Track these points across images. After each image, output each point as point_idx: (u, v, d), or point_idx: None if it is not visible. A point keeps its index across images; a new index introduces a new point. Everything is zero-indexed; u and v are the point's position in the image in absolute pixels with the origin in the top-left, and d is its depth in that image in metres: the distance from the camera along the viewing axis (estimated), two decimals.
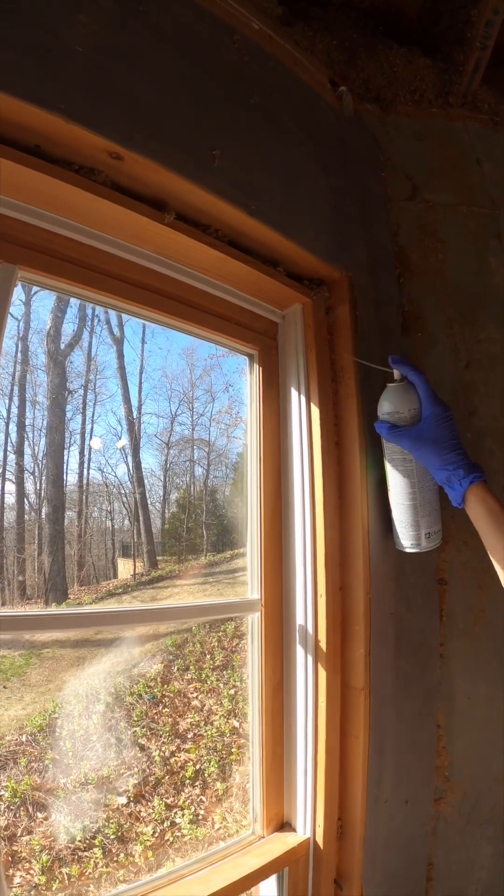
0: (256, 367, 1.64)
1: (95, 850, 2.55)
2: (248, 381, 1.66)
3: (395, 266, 1.72)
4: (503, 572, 1.20)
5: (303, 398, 1.57)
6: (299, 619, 1.54)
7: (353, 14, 1.96)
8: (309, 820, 1.48)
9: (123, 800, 2.82)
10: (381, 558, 1.51)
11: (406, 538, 1.41)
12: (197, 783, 3.04)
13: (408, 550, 1.43)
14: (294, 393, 1.60)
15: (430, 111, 1.95)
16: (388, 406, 1.37)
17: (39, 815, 2.67)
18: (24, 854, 2.50)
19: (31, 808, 2.68)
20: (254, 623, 1.56)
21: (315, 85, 1.68)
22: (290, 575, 1.58)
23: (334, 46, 1.86)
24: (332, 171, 1.62)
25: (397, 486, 1.40)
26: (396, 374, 1.38)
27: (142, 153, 1.15)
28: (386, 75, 1.93)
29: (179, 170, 1.21)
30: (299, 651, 1.53)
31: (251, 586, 1.59)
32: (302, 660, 1.52)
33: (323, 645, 1.47)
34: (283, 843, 1.47)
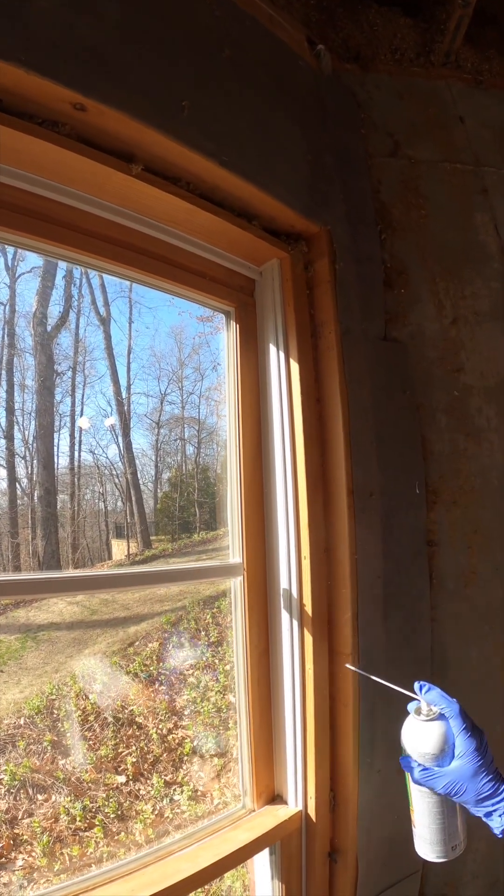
0: (233, 324, 1.56)
1: (96, 829, 2.50)
2: (224, 338, 1.59)
3: (377, 222, 1.65)
4: None
5: (282, 355, 1.50)
6: (283, 583, 1.47)
7: None
8: (300, 792, 1.43)
9: (122, 778, 2.78)
10: (368, 519, 1.44)
11: (434, 853, 1.22)
12: (195, 759, 3.00)
13: (434, 861, 1.24)
14: (273, 350, 1.53)
15: (411, 70, 1.89)
16: (417, 745, 1.17)
17: (39, 797, 2.63)
18: (25, 836, 2.46)
19: (31, 791, 2.64)
20: (236, 588, 1.50)
21: (292, 43, 1.61)
22: (273, 537, 1.52)
23: (312, 6, 1.80)
24: (309, 128, 1.55)
25: (424, 815, 1.22)
26: (424, 704, 1.18)
27: (106, 103, 1.09)
28: (365, 34, 1.86)
29: (147, 120, 1.15)
30: (284, 616, 1.47)
31: (232, 550, 1.52)
32: (287, 625, 1.46)
33: (308, 609, 1.41)
34: (275, 816, 1.42)
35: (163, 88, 1.21)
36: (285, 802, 1.47)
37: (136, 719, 3.18)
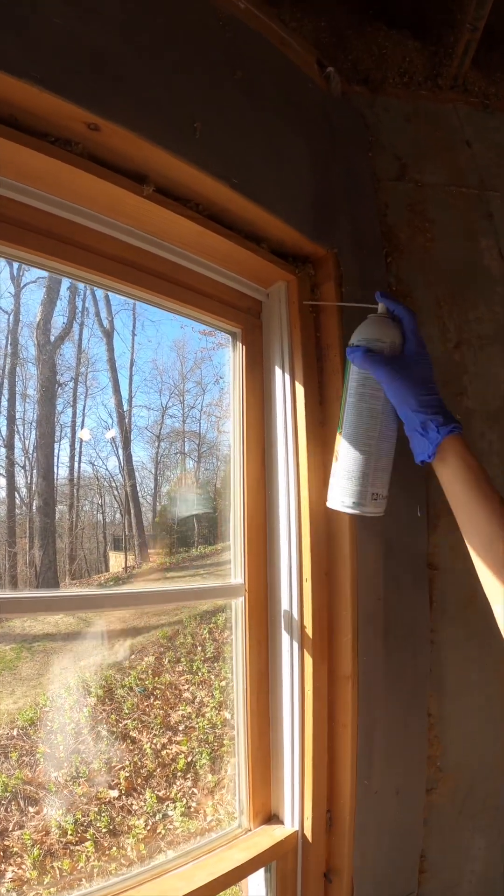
0: (240, 345, 1.58)
1: (87, 843, 2.49)
2: (230, 359, 1.60)
3: (383, 245, 1.66)
4: (481, 547, 1.00)
5: (287, 377, 1.51)
6: (284, 605, 1.48)
7: None
8: (297, 812, 1.44)
9: (115, 793, 2.77)
10: (369, 542, 1.46)
11: (350, 493, 1.17)
12: (189, 775, 2.99)
13: (345, 510, 1.19)
14: (278, 372, 1.55)
15: (419, 93, 1.91)
16: (366, 332, 1.18)
17: (31, 809, 2.62)
18: (15, 849, 2.45)
19: (22, 803, 2.63)
20: (237, 609, 1.51)
21: (302, 65, 1.63)
22: (275, 559, 1.53)
23: (322, 27, 1.81)
24: (318, 150, 1.57)
25: (355, 428, 1.17)
26: (381, 307, 1.20)
27: (120, 124, 1.09)
28: (375, 57, 1.88)
29: (159, 141, 1.16)
30: (285, 637, 1.48)
31: (234, 571, 1.54)
32: (287, 646, 1.47)
33: (309, 631, 1.42)
34: (271, 836, 1.42)
35: (176, 109, 1.22)
36: (281, 822, 1.48)
37: (130, 733, 3.17)
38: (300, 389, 1.48)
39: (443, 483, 1.07)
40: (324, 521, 1.47)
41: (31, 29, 0.99)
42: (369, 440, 1.16)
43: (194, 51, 1.31)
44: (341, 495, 1.18)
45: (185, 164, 1.21)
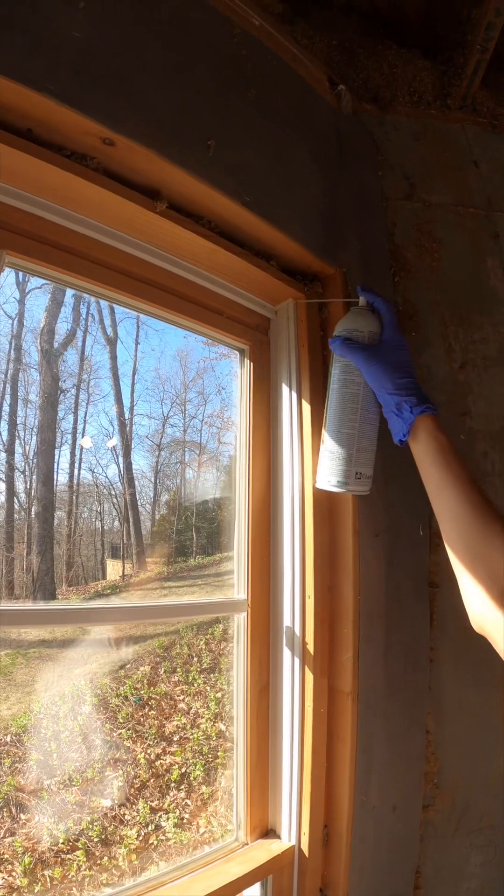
0: (248, 361, 1.59)
1: (79, 852, 2.48)
2: (238, 375, 1.61)
3: (391, 264, 1.68)
4: (449, 520, 1.02)
5: (294, 395, 1.53)
6: (286, 621, 1.49)
7: (353, 15, 1.93)
8: (294, 827, 1.44)
9: (108, 802, 2.77)
10: (372, 559, 1.47)
11: (335, 473, 1.26)
12: (182, 786, 2.98)
13: (331, 489, 1.27)
14: (285, 389, 1.56)
15: (428, 112, 1.92)
16: (346, 324, 1.28)
17: (23, 816, 2.61)
18: (6, 855, 2.44)
19: (14, 810, 2.62)
20: (240, 624, 1.52)
21: (314, 82, 1.64)
22: (278, 575, 1.54)
23: (334, 46, 1.83)
24: (328, 168, 1.58)
25: (338, 411, 1.27)
26: (361, 300, 1.31)
27: (135, 139, 1.10)
28: (385, 76, 1.90)
29: (173, 158, 1.17)
30: (286, 653, 1.48)
31: (237, 586, 1.54)
32: (289, 662, 1.48)
33: (310, 647, 1.42)
34: (268, 850, 1.42)
35: (190, 126, 1.24)
36: (278, 837, 1.48)
37: (125, 743, 3.17)
38: (307, 408, 1.49)
39: (417, 461, 1.12)
40: (327, 538, 1.48)
41: (50, 42, 1.00)
42: (352, 423, 1.25)
43: (209, 68, 1.32)
44: (327, 475, 1.28)
45: (199, 181, 1.22)
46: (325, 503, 1.48)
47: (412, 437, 1.12)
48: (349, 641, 1.42)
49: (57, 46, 1.01)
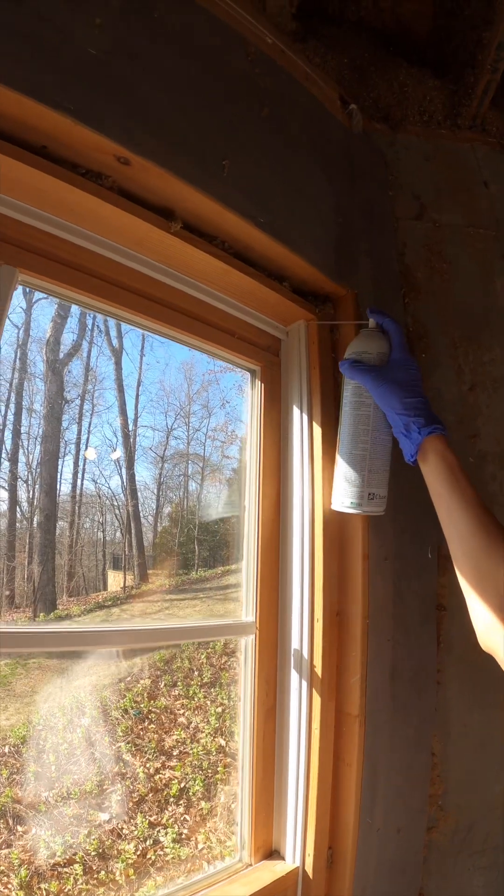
0: (258, 383, 1.58)
1: (76, 866, 2.46)
2: (249, 397, 1.60)
3: (402, 285, 1.66)
4: (457, 539, 1.03)
5: (305, 417, 1.51)
6: (294, 644, 1.47)
7: (364, 34, 1.93)
8: (298, 848, 1.41)
9: (106, 816, 2.74)
10: (380, 583, 1.45)
11: (348, 494, 1.27)
12: (181, 801, 2.95)
13: (345, 510, 1.28)
14: (296, 411, 1.54)
15: (438, 132, 1.91)
16: (356, 346, 1.28)
17: (19, 828, 2.59)
18: (2, 867, 2.42)
19: (11, 821, 2.59)
20: (248, 646, 1.50)
21: (326, 101, 1.63)
22: (287, 598, 1.52)
23: (346, 64, 1.82)
24: (340, 188, 1.57)
25: (349, 434, 1.28)
26: (371, 322, 1.31)
27: (151, 159, 1.10)
28: (396, 95, 1.89)
29: (189, 178, 1.16)
30: (293, 676, 1.46)
31: (246, 609, 1.52)
32: (296, 685, 1.46)
33: (318, 671, 1.41)
34: (272, 871, 1.40)
35: (206, 145, 1.23)
36: (283, 858, 1.45)
37: (124, 756, 3.14)
38: (318, 430, 1.47)
39: (426, 481, 1.13)
40: (336, 562, 1.46)
41: (66, 59, 1.00)
42: (364, 444, 1.25)
43: (224, 87, 1.32)
44: (341, 496, 1.28)
45: (213, 201, 1.21)
46: (335, 527, 1.47)
47: (421, 457, 1.12)
48: (357, 665, 1.40)
49: (73, 64, 1.01)
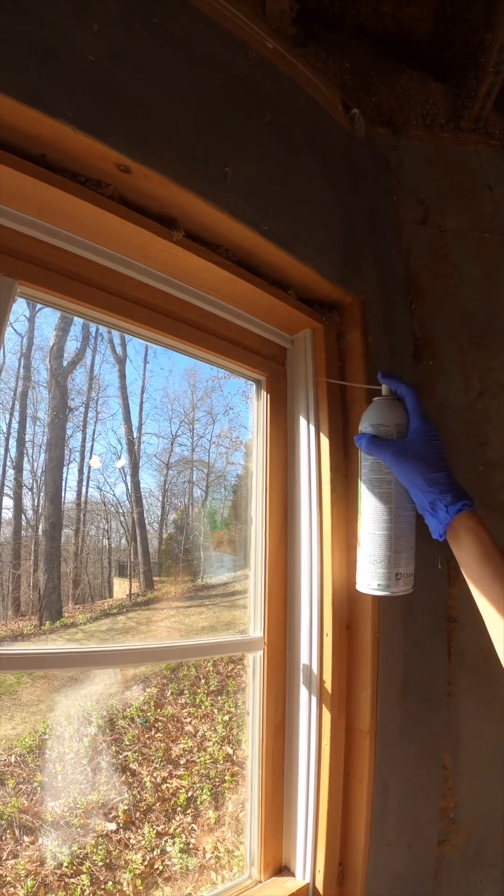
0: (264, 393, 1.53)
1: (83, 876, 2.41)
2: (254, 407, 1.55)
3: (407, 291, 1.62)
4: (495, 617, 0.98)
5: (312, 427, 1.46)
6: (304, 659, 1.42)
7: (365, 38, 1.89)
8: (309, 865, 1.38)
9: (113, 826, 2.69)
10: (391, 596, 1.40)
11: (375, 576, 1.16)
12: (189, 811, 2.90)
13: (374, 593, 1.18)
14: (303, 422, 1.49)
15: (441, 136, 1.87)
16: (371, 418, 1.18)
17: (26, 838, 2.54)
18: (8, 878, 2.37)
19: (17, 832, 2.54)
20: (256, 662, 1.45)
21: (327, 106, 1.59)
22: (295, 613, 1.47)
23: (347, 69, 1.78)
24: (343, 193, 1.53)
25: (371, 513, 1.16)
26: (384, 389, 1.21)
27: (152, 167, 1.06)
28: (398, 98, 1.85)
29: (190, 186, 1.12)
30: (303, 691, 1.42)
31: (254, 624, 1.48)
32: (305, 700, 1.41)
33: (328, 686, 1.36)
34: (282, 888, 1.36)
35: (207, 153, 1.19)
36: (293, 874, 1.42)
37: (130, 766, 3.08)
38: (325, 442, 1.43)
39: (458, 560, 1.05)
40: (346, 576, 1.41)
41: (65, 66, 0.97)
42: (387, 524, 1.15)
43: (225, 94, 1.27)
44: (368, 579, 1.18)
45: (216, 209, 1.17)
46: (344, 539, 1.42)
47: (451, 534, 1.04)
48: (367, 680, 1.36)
49: (72, 71, 0.97)
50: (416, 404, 1.14)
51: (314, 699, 1.39)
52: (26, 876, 2.38)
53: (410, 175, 1.76)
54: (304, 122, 1.48)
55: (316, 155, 1.48)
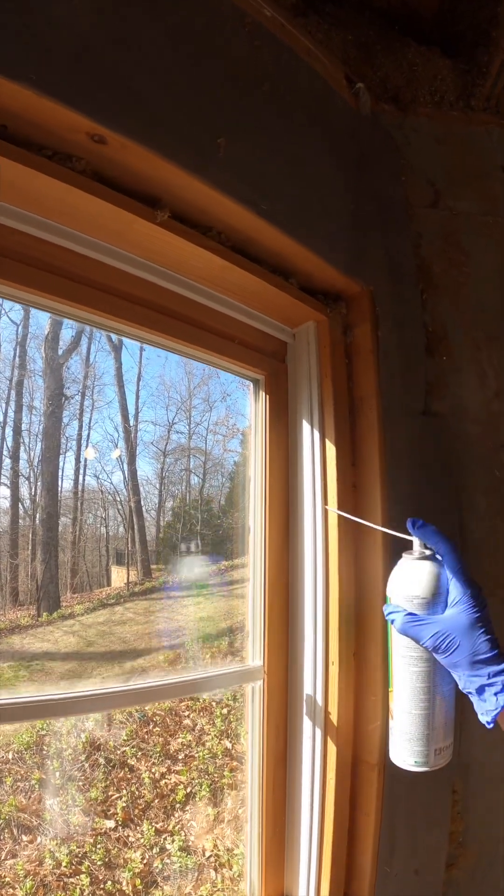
0: (262, 394, 1.30)
1: (82, 875, 2.22)
2: (252, 409, 1.32)
3: (418, 280, 1.38)
4: None
5: (316, 433, 1.24)
6: (307, 689, 1.22)
7: (367, 12, 1.66)
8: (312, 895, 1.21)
9: (111, 823, 2.50)
10: None
11: (412, 754, 0.98)
12: (188, 807, 2.72)
13: (410, 769, 1.00)
14: (306, 426, 1.27)
15: (450, 114, 1.64)
16: (403, 587, 0.95)
17: (24, 837, 2.35)
18: (7, 878, 2.19)
19: (15, 831, 2.36)
20: (255, 692, 1.24)
21: (330, 79, 1.37)
22: (298, 640, 1.26)
23: (350, 42, 1.56)
24: (349, 172, 1.31)
25: (406, 690, 0.97)
26: (416, 542, 0.97)
27: (131, 136, 0.86)
28: (405, 74, 1.62)
29: (177, 158, 0.92)
30: (306, 723, 1.22)
31: (252, 652, 1.26)
32: (309, 732, 1.21)
33: (334, 718, 1.17)
34: None
35: (197, 122, 0.98)
36: None
37: (129, 761, 2.89)
38: (331, 449, 1.20)
39: None
40: (353, 599, 1.21)
41: (31, 25, 0.77)
42: (425, 703, 0.96)
43: (218, 57, 1.06)
44: (403, 754, 0.99)
45: (207, 186, 0.97)
46: (350, 561, 1.21)
47: (502, 717, 0.84)
48: (377, 710, 1.17)
49: (39, 30, 0.78)
50: (457, 564, 0.92)
51: (318, 731, 1.19)
52: (25, 876, 2.20)
53: (418, 154, 1.54)
54: (306, 94, 1.26)
55: (319, 129, 1.27)
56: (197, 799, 2.72)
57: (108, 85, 0.84)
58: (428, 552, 0.94)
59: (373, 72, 1.59)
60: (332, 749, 1.18)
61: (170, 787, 2.79)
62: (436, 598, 0.91)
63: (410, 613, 0.90)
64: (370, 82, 1.54)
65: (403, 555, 0.96)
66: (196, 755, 3.01)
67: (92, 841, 2.36)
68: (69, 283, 0.97)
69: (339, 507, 1.17)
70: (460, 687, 0.90)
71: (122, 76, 0.87)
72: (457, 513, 1.32)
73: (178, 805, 2.68)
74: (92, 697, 1.05)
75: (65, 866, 2.23)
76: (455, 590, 0.89)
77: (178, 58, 0.96)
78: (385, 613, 0.94)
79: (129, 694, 1.08)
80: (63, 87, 0.78)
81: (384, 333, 1.26)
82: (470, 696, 0.88)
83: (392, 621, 0.93)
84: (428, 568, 0.93)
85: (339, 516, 1.17)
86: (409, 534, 0.95)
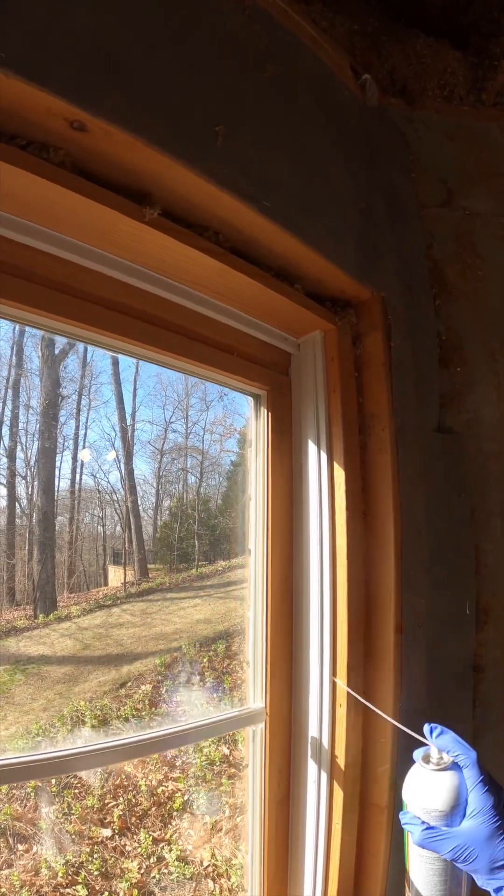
0: (264, 411, 1.14)
1: (79, 886, 2.09)
2: (252, 428, 1.16)
3: (431, 285, 1.23)
4: None
5: (323, 454, 1.08)
6: (312, 731, 1.07)
7: (373, 2, 1.49)
8: None
9: (108, 832, 2.36)
10: (413, 654, 1.05)
11: None
12: (185, 816, 2.57)
13: None
14: (312, 447, 1.11)
15: (460, 108, 1.49)
16: (422, 799, 0.83)
17: (20, 847, 2.21)
18: (3, 889, 2.05)
19: (11, 840, 2.22)
20: (256, 736, 1.09)
21: (336, 69, 1.22)
22: (302, 679, 1.11)
23: (356, 31, 1.42)
24: (357, 168, 1.17)
25: (422, 882, 0.85)
26: (434, 752, 0.84)
27: (115, 122, 0.71)
28: (413, 66, 1.47)
29: (169, 147, 0.77)
30: (311, 766, 1.08)
31: (253, 693, 1.11)
32: (314, 776, 1.08)
33: (341, 762, 1.03)
34: None
35: (190, 107, 0.83)
36: None
37: (125, 768, 2.75)
38: (339, 473, 1.05)
39: None
40: (363, 635, 1.06)
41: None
42: (441, 892, 0.84)
43: (216, 40, 0.91)
44: None
45: (202, 179, 0.82)
46: (361, 594, 1.06)
47: None
48: (386, 753, 1.03)
49: (9, 5, 0.64)
50: (479, 776, 0.80)
51: (324, 775, 1.06)
52: (21, 887, 2.07)
53: (429, 150, 1.39)
54: (312, 83, 1.11)
55: (325, 121, 1.12)
56: (194, 807, 2.58)
57: (89, 63, 0.70)
58: (446, 761, 0.82)
59: (379, 63, 1.44)
60: (338, 792, 1.04)
61: (167, 794, 2.65)
62: (455, 811, 0.80)
63: (429, 827, 0.80)
64: (377, 74, 1.40)
65: (419, 760, 0.85)
66: (193, 762, 2.87)
67: (89, 850, 2.23)
68: (44, 291, 0.82)
69: (348, 536, 1.02)
70: (478, 884, 0.79)
71: (104, 52, 0.72)
72: (472, 539, 1.17)
73: (175, 813, 2.53)
74: (84, 755, 0.92)
75: (61, 876, 2.10)
76: (475, 800, 0.78)
77: (170, 31, 0.81)
78: (402, 823, 0.85)
79: (119, 749, 0.93)
80: (36, 65, 0.64)
81: (397, 343, 1.10)
82: (487, 890, 0.78)
83: (408, 832, 0.83)
84: (448, 781, 0.81)
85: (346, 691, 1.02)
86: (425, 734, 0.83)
